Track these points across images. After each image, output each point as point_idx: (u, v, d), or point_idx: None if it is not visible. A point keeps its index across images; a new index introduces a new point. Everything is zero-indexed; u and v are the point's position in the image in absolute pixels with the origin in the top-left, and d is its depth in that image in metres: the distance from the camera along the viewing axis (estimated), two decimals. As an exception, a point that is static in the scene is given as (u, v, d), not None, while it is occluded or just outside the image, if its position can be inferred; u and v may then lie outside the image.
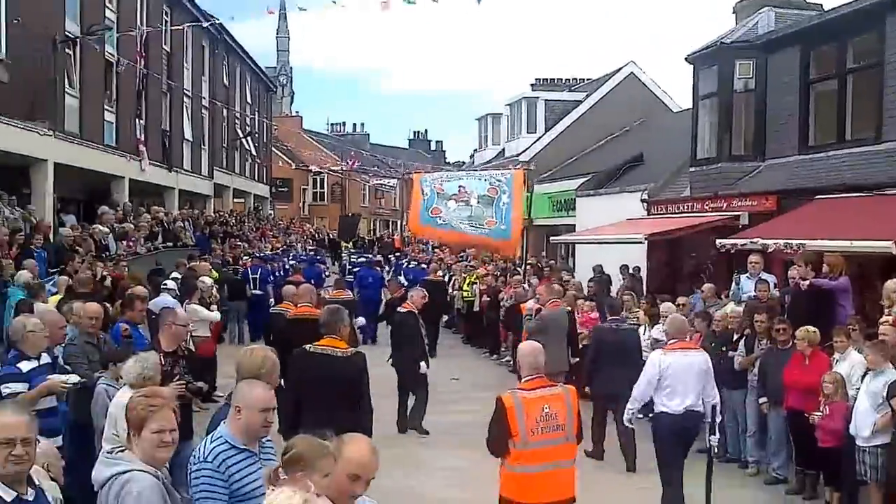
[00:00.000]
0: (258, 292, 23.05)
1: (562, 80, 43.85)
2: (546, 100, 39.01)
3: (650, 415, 10.14)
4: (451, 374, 18.42)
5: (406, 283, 22.81)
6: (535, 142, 38.15)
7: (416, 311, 14.30)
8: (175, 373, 8.05)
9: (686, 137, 22.80)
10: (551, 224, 31.42)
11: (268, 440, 5.27)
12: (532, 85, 42.88)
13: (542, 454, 6.96)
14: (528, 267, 23.62)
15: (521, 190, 18.84)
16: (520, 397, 7.00)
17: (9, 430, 4.11)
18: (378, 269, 28.39)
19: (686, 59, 22.19)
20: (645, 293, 19.77)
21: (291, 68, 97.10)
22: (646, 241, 21.22)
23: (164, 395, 4.62)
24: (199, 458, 4.97)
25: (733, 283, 14.81)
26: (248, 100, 47.67)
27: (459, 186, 17.25)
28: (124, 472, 4.36)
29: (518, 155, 38.28)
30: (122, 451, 4.57)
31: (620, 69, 38.04)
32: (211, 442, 5.04)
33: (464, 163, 66.59)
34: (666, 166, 25.82)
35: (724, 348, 12.20)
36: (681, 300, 15.44)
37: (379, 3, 20.28)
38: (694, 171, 22.17)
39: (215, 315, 15.91)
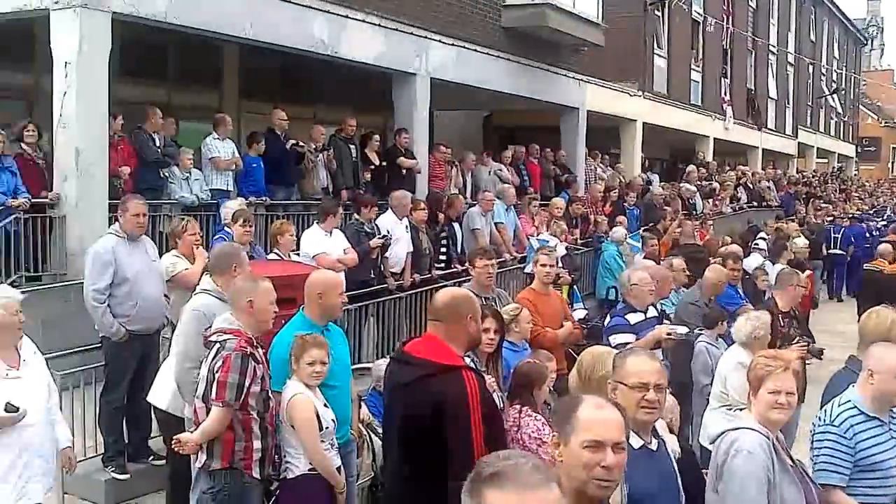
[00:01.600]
0: (838, 252, 22.19)
1: None
2: None
3: None
4: None
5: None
6: None
7: None
8: (791, 334, 7.73)
9: None
10: None
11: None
12: None
13: None
14: None
15: None
16: None
17: (643, 375, 3.97)
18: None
19: None
20: None
21: (882, 18, 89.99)
22: None
23: (785, 358, 4.38)
24: (824, 420, 4.80)
25: None
26: (835, 54, 45.77)
27: None
28: (735, 430, 4.28)
29: None
30: (741, 409, 4.55)
31: None
32: (839, 406, 4.80)
33: None
34: None
35: None
36: None
37: None
38: None
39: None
